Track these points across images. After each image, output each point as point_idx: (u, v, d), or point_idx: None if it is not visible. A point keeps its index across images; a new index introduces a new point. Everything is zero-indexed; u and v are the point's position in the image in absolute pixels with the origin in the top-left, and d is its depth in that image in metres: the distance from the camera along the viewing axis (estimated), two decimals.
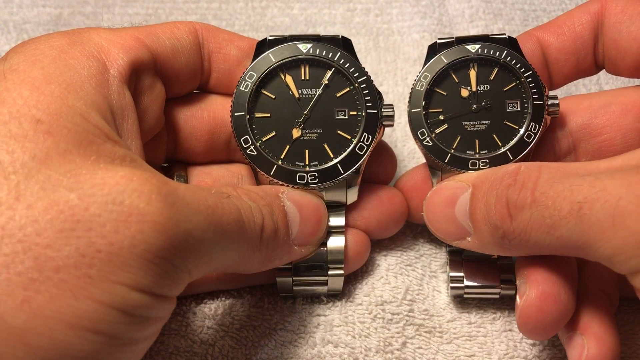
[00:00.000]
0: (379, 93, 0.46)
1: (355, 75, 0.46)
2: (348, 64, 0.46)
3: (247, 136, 0.45)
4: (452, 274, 0.47)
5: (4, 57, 0.37)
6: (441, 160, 0.45)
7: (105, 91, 0.37)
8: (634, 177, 0.35)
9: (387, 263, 0.50)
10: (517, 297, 0.41)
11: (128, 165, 0.34)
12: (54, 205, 0.31)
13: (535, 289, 0.40)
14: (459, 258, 0.48)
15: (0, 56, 0.39)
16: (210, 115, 0.47)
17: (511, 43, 0.47)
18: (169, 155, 0.48)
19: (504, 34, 0.47)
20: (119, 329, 0.31)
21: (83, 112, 0.35)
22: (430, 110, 0.46)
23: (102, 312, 0.30)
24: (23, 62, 0.36)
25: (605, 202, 0.35)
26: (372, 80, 0.46)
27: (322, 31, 0.68)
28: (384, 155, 0.50)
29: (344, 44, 0.47)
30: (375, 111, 0.46)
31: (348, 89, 0.46)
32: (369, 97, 0.46)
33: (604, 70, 0.49)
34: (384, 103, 0.46)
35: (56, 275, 0.30)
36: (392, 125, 0.46)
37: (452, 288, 0.47)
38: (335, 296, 0.48)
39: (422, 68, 0.47)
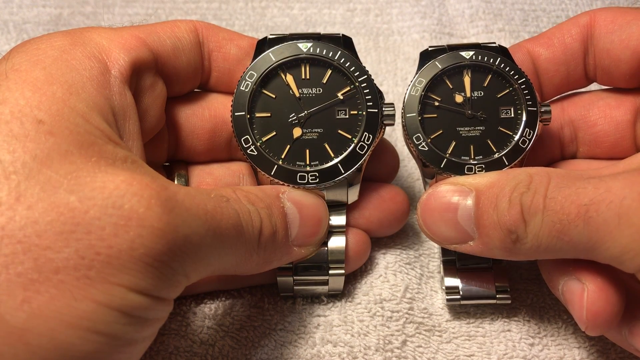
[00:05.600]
0: (380, 92, 0.46)
1: (355, 75, 0.46)
2: (348, 63, 0.46)
3: (248, 136, 0.45)
4: (447, 284, 0.47)
5: (6, 57, 0.37)
6: (437, 165, 0.45)
7: (106, 92, 0.37)
8: (637, 177, 0.36)
9: (386, 261, 0.50)
10: (569, 295, 0.40)
11: (129, 167, 0.34)
12: (54, 207, 0.31)
13: (594, 283, 0.39)
14: (453, 267, 0.48)
15: (0, 56, 0.39)
16: (211, 114, 0.47)
17: (502, 52, 0.47)
18: (170, 155, 0.48)
19: (494, 43, 0.48)
20: (118, 330, 0.31)
21: (84, 114, 0.35)
22: (425, 116, 0.46)
23: (101, 313, 0.31)
24: (25, 62, 0.36)
25: (611, 203, 0.35)
26: (373, 79, 0.46)
27: (322, 31, 0.68)
28: (386, 154, 0.50)
29: (345, 43, 0.47)
30: (376, 110, 0.46)
31: (348, 88, 0.46)
32: (370, 97, 0.46)
33: (594, 83, 0.49)
34: (385, 102, 0.46)
35: (55, 276, 0.30)
36: (393, 125, 0.46)
37: (448, 299, 0.47)
38: (335, 296, 0.48)
39: (416, 74, 0.47)
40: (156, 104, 0.43)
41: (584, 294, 0.39)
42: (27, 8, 0.69)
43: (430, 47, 0.48)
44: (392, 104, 0.46)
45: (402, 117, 0.46)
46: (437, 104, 0.46)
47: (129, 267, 0.31)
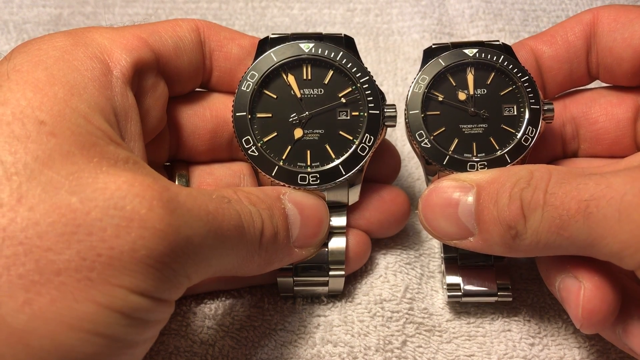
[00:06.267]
0: (382, 93, 0.46)
1: (357, 76, 0.46)
2: (350, 64, 0.46)
3: (249, 136, 0.45)
4: (449, 281, 0.47)
5: (7, 57, 0.37)
6: (439, 162, 0.45)
7: (108, 93, 0.37)
8: (637, 173, 0.36)
9: (386, 261, 0.50)
10: (565, 293, 0.40)
11: (130, 168, 0.34)
12: (56, 209, 0.31)
13: (591, 281, 0.39)
14: (454, 264, 0.48)
15: (0, 56, 0.39)
16: (213, 114, 0.47)
17: (506, 50, 0.47)
18: (171, 155, 0.48)
19: (498, 41, 0.48)
20: (119, 332, 0.31)
21: (86, 115, 0.34)
22: (428, 113, 0.46)
23: (102, 315, 0.30)
24: (26, 62, 0.36)
25: (611, 199, 0.35)
26: (375, 80, 0.46)
27: (322, 31, 0.68)
28: (387, 155, 0.50)
29: (347, 43, 0.47)
30: (378, 112, 0.46)
31: (350, 88, 0.46)
32: (371, 98, 0.46)
33: (597, 81, 0.49)
34: (386, 103, 0.46)
35: (57, 278, 0.30)
36: (394, 126, 0.46)
37: (449, 296, 0.47)
38: (335, 296, 0.48)
39: (419, 71, 0.47)
40: (158, 104, 0.43)
41: (580, 292, 0.39)
42: (27, 8, 0.69)
43: (434, 44, 0.48)
44: (394, 105, 0.46)
45: (405, 114, 0.46)
46: (441, 99, 0.46)
47: (131, 268, 0.31)
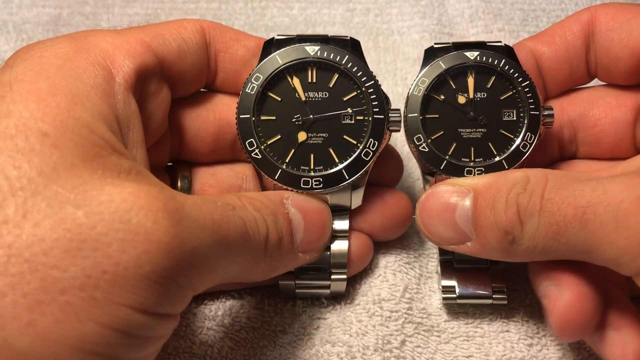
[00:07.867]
0: (387, 97, 0.46)
1: (362, 80, 0.45)
2: (355, 68, 0.45)
3: (252, 139, 0.44)
4: (444, 283, 0.47)
5: (9, 64, 0.36)
6: (436, 167, 0.45)
7: (111, 101, 0.37)
8: (634, 179, 0.36)
9: (386, 261, 0.50)
10: (546, 300, 0.41)
11: (134, 179, 0.34)
12: (61, 224, 0.30)
13: (570, 291, 0.39)
14: (450, 267, 0.48)
15: (0, 57, 0.38)
16: (216, 116, 0.46)
17: (508, 51, 0.47)
18: (173, 156, 0.47)
19: (500, 42, 0.47)
20: (121, 351, 0.31)
21: (89, 124, 0.34)
22: (427, 116, 0.46)
23: (105, 335, 0.30)
24: (29, 71, 0.35)
25: (608, 205, 0.35)
26: (380, 85, 0.46)
27: (322, 31, 0.67)
28: (391, 159, 0.50)
29: (352, 46, 0.46)
30: (382, 116, 0.45)
31: (355, 92, 0.46)
32: (376, 102, 0.45)
33: (596, 79, 0.49)
34: (391, 108, 0.46)
35: (62, 297, 0.29)
36: (398, 131, 0.46)
37: (444, 298, 0.47)
38: (335, 297, 0.48)
39: (420, 73, 0.46)
40: (160, 109, 0.42)
41: (557, 301, 0.39)
42: (27, 8, 0.68)
43: (435, 44, 0.47)
44: (398, 109, 0.46)
45: (403, 117, 0.46)
46: (440, 102, 0.46)
47: (135, 285, 0.31)
